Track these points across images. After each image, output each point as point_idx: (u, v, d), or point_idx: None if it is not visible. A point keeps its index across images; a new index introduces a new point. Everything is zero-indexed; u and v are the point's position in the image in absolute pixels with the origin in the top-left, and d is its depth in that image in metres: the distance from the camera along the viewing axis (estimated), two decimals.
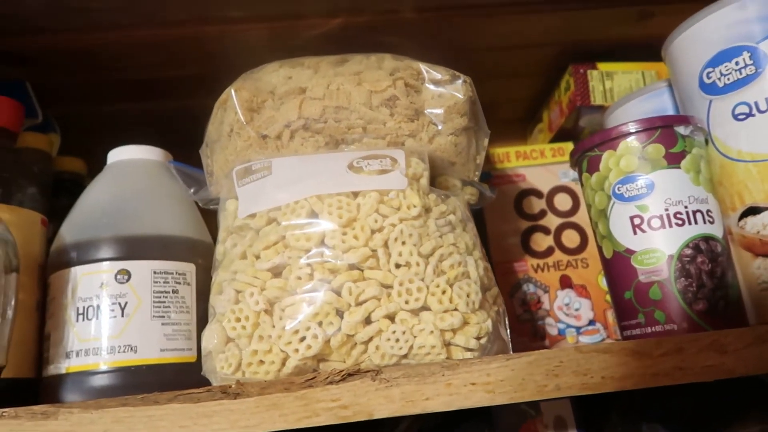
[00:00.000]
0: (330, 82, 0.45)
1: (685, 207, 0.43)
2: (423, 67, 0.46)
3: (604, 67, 0.65)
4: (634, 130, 0.44)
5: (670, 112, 0.55)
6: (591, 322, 0.58)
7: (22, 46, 0.56)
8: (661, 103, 0.56)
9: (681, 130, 0.44)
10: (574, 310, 0.59)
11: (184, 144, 0.57)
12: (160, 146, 0.51)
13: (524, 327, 0.59)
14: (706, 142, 0.46)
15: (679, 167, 0.44)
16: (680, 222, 0.43)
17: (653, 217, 0.43)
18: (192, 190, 0.48)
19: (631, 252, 0.44)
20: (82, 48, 0.57)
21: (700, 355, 0.34)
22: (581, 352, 0.34)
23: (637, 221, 0.44)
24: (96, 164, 0.52)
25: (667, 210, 0.43)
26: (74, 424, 0.32)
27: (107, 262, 0.43)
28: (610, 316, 0.59)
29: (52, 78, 0.61)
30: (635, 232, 0.44)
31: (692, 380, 0.33)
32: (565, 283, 0.60)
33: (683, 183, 0.43)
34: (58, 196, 0.58)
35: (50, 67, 0.59)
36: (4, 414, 0.32)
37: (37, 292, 0.46)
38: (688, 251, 0.42)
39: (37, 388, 0.44)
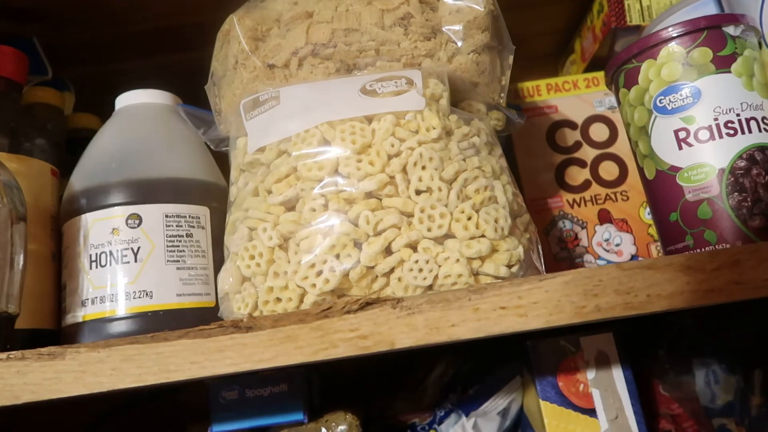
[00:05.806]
0: (338, 3, 0.42)
1: (737, 115, 0.38)
2: None
3: None
4: (676, 34, 0.40)
5: None
6: (633, 257, 0.54)
7: (31, 1, 0.54)
8: (708, 14, 0.51)
9: (730, 30, 0.40)
10: (614, 246, 0.55)
11: (201, 96, 0.55)
12: None
13: (561, 266, 0.55)
14: (760, 44, 0.41)
15: (730, 71, 0.39)
16: (732, 132, 0.38)
17: (701, 129, 0.39)
18: (201, 131, 0.46)
19: (676, 169, 0.40)
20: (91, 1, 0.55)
21: (759, 268, 0.30)
22: (623, 269, 0.30)
23: (682, 135, 0.39)
24: None
25: (716, 120, 0.39)
26: (82, 363, 0.30)
27: (118, 207, 0.42)
28: (655, 250, 0.55)
29: (64, 36, 0.60)
30: (680, 147, 0.40)
31: (751, 296, 0.30)
32: (604, 217, 0.56)
33: (735, 88, 0.39)
34: (75, 153, 0.57)
35: (60, 24, 0.58)
36: (11, 356, 0.31)
37: (52, 243, 0.45)
38: (742, 163, 0.38)
39: (58, 338, 0.43)
